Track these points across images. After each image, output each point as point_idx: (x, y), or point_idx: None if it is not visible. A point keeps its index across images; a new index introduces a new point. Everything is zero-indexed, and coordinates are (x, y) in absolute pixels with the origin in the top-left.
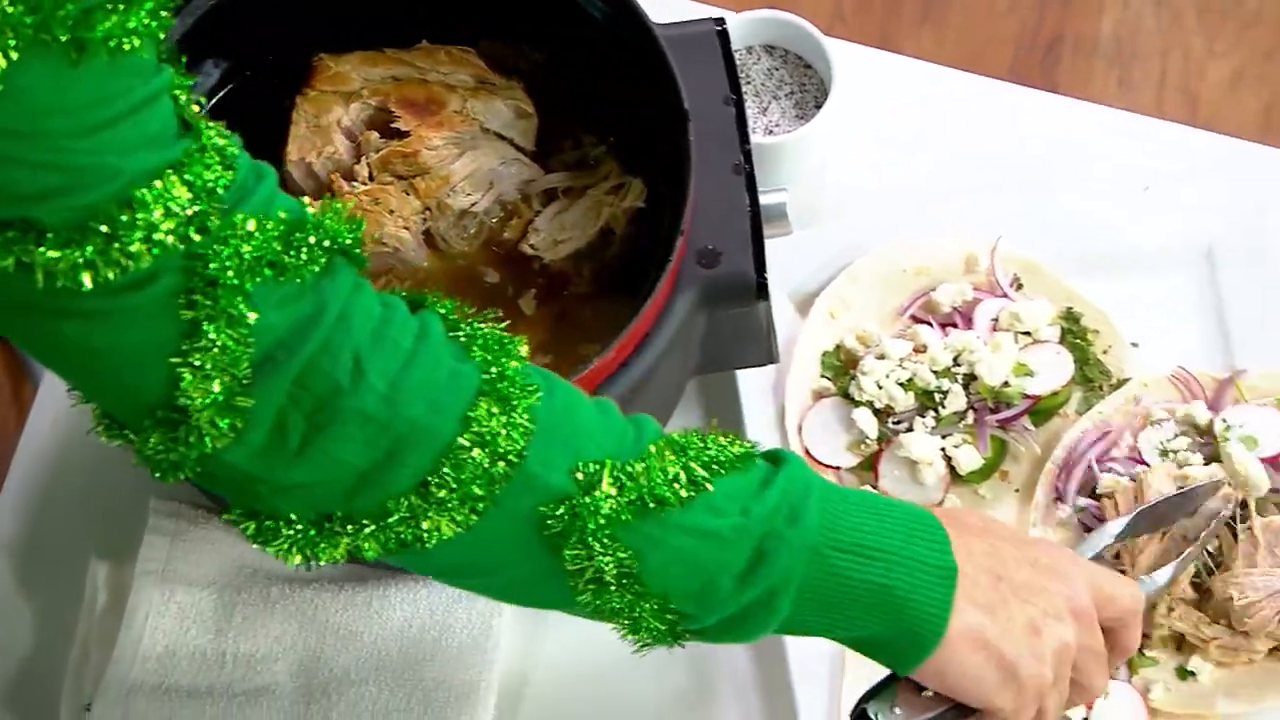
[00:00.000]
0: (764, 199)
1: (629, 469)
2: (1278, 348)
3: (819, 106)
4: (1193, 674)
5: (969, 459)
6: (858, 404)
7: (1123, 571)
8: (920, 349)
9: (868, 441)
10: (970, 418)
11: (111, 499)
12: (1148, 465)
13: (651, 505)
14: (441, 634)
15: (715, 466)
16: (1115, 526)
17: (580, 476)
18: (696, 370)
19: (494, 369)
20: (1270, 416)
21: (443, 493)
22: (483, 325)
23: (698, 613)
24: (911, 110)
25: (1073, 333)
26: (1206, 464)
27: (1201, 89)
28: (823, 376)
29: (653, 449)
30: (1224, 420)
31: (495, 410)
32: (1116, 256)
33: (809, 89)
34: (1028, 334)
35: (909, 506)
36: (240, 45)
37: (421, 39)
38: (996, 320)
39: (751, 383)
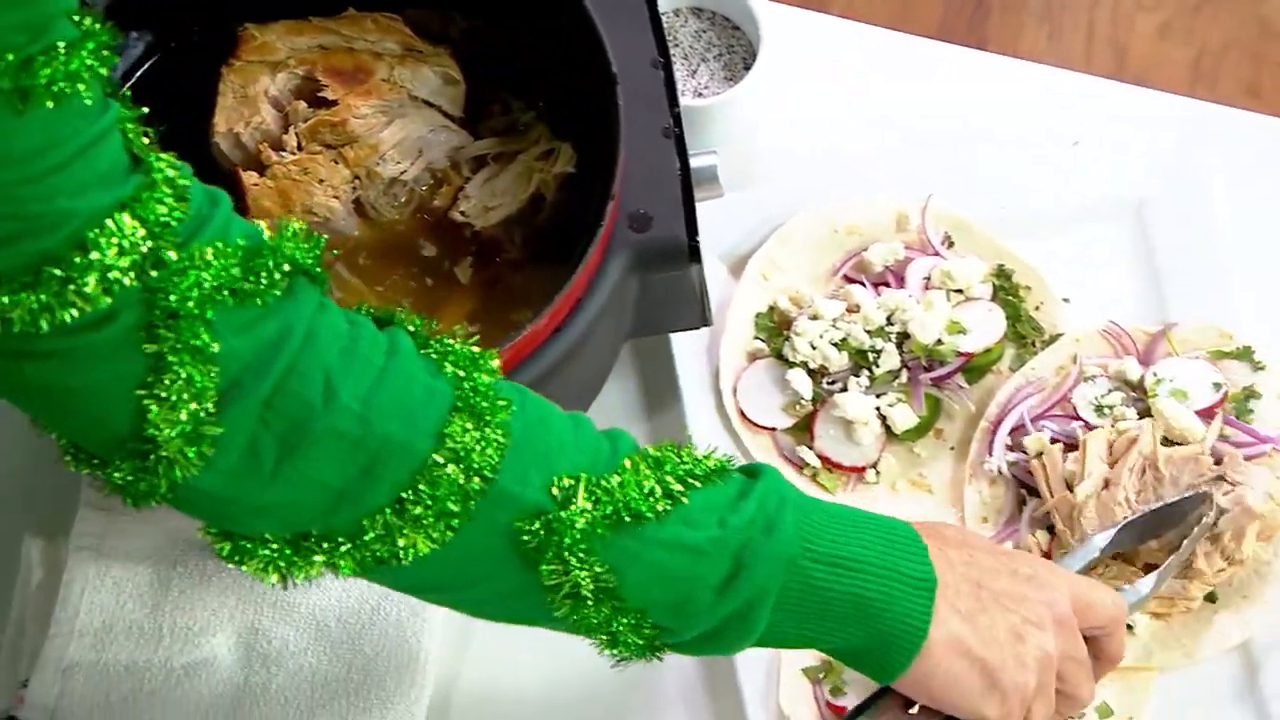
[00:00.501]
0: (694, 162)
1: (604, 483)
2: (1208, 300)
3: (748, 68)
4: (1129, 627)
5: (904, 418)
6: (792, 365)
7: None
8: (853, 309)
9: (802, 402)
10: (904, 376)
11: (44, 474)
12: (1083, 421)
13: (627, 519)
14: (380, 603)
15: (691, 480)
16: (1101, 540)
17: (555, 491)
18: (630, 334)
19: (466, 384)
20: (1200, 369)
21: (418, 509)
22: (453, 341)
23: (676, 626)
24: (841, 70)
25: (1004, 289)
26: (1140, 418)
27: (1130, 41)
28: (756, 338)
29: (627, 463)
30: (1154, 374)
31: (469, 426)
32: (1047, 212)
33: (737, 50)
34: (960, 292)
35: (886, 518)
36: (164, 16)
37: (348, 7)
38: (928, 279)
39: (685, 346)
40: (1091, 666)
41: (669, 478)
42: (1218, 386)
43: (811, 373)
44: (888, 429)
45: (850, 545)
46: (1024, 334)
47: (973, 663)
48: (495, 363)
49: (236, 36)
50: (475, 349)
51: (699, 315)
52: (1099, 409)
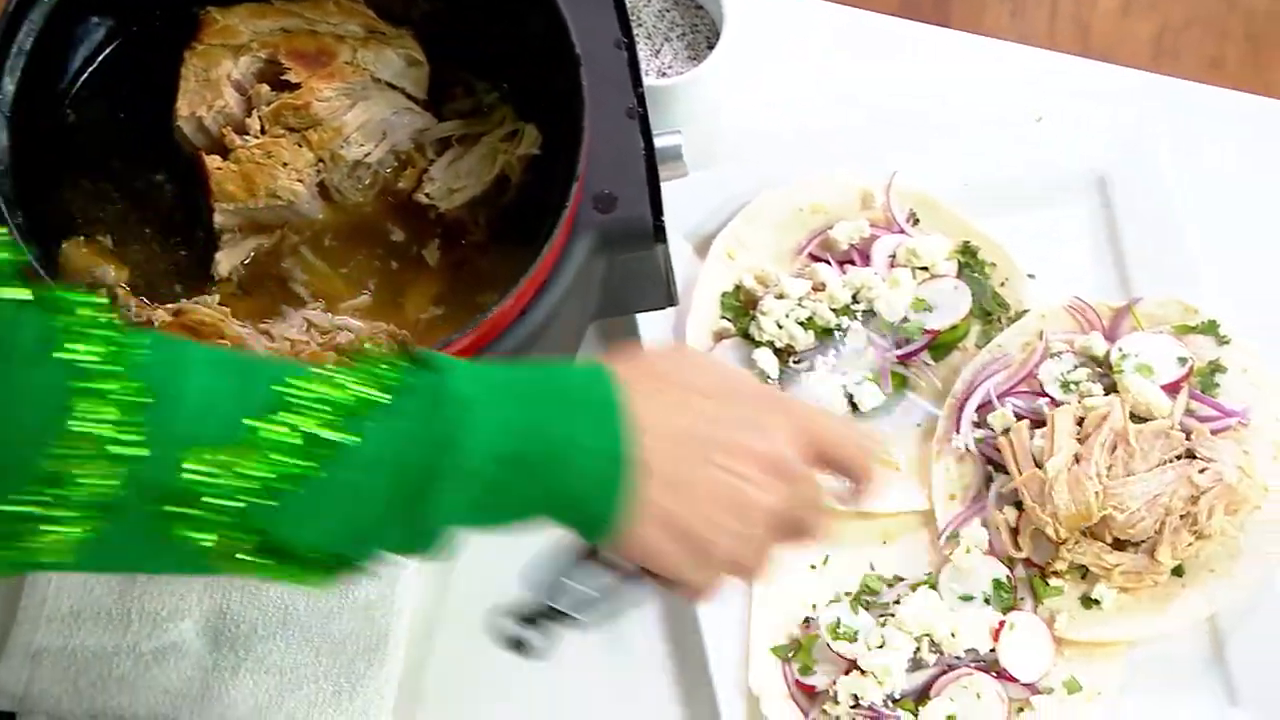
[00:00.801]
0: (659, 141)
1: (253, 439)
2: (1172, 275)
3: (711, 47)
4: (1096, 602)
5: (871, 396)
6: (758, 344)
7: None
8: (819, 287)
9: (770, 381)
10: (871, 354)
11: None
12: (1049, 397)
13: (284, 485)
14: (348, 587)
15: (348, 413)
16: None
17: (198, 467)
18: (596, 315)
19: (91, 365)
20: (1165, 344)
21: (58, 510)
22: (88, 311)
23: (356, 552)
24: (805, 48)
25: (970, 266)
26: (1106, 394)
27: (1093, 18)
28: (723, 318)
29: (279, 418)
30: (1119, 349)
31: (96, 411)
32: (1012, 188)
33: (700, 30)
34: (925, 269)
35: (575, 375)
36: (125, 1)
37: None
38: (894, 256)
39: (652, 326)
40: (833, 497)
41: (321, 424)
42: (1183, 361)
43: (778, 352)
44: (854, 407)
45: (533, 433)
46: (990, 310)
47: (678, 538)
48: (145, 338)
49: (198, 20)
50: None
51: (665, 295)
52: (1065, 385)
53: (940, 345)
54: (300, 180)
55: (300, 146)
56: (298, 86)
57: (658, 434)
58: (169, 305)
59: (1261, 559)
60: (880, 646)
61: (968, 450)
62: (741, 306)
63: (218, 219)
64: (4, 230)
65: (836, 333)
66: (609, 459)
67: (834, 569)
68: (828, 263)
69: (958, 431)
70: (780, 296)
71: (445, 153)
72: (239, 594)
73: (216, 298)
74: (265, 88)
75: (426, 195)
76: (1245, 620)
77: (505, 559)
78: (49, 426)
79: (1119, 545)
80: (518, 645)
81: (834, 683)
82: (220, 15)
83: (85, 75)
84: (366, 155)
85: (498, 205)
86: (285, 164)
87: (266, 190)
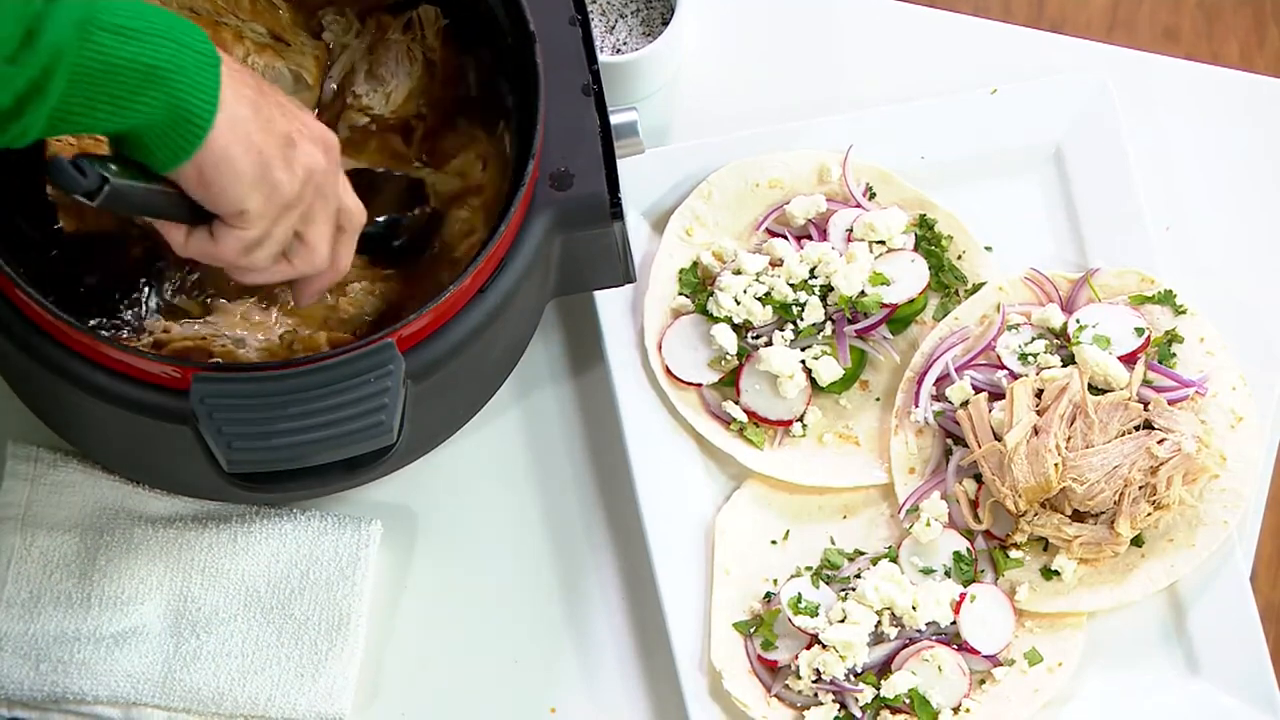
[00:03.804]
0: (614, 118)
1: None
2: (1128, 246)
3: (666, 23)
4: (1057, 573)
5: (829, 370)
6: (716, 320)
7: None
8: (776, 263)
9: (728, 357)
10: (829, 329)
11: None
12: (1008, 369)
13: None
14: (309, 567)
15: None
16: None
17: None
18: (555, 293)
19: None
20: (1123, 315)
21: None
22: None
23: None
24: (759, 24)
25: (927, 239)
26: (1065, 366)
27: None
28: (680, 294)
29: None
30: (1077, 321)
31: None
32: (967, 161)
33: (655, 6)
34: (882, 243)
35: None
36: None
37: None
38: (851, 231)
39: (610, 303)
40: (335, 219)
41: None
42: (1140, 331)
43: (736, 327)
44: (813, 382)
45: (138, 19)
46: (947, 283)
47: (249, 148)
48: None
49: None
50: None
51: (622, 273)
52: (1023, 357)
53: (898, 319)
54: None
55: None
56: None
57: (235, 72)
58: None
59: (1220, 528)
60: (842, 621)
61: (926, 424)
62: (699, 283)
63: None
64: None
65: (794, 308)
66: (210, 61)
67: (794, 544)
68: (785, 238)
69: (916, 405)
70: (738, 272)
71: (355, 68)
72: (200, 577)
73: None
74: None
75: (364, 108)
76: (1205, 590)
77: (466, 542)
78: None
79: (1078, 517)
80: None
81: (796, 657)
82: None
83: None
84: None
85: (436, 95)
86: None
87: None
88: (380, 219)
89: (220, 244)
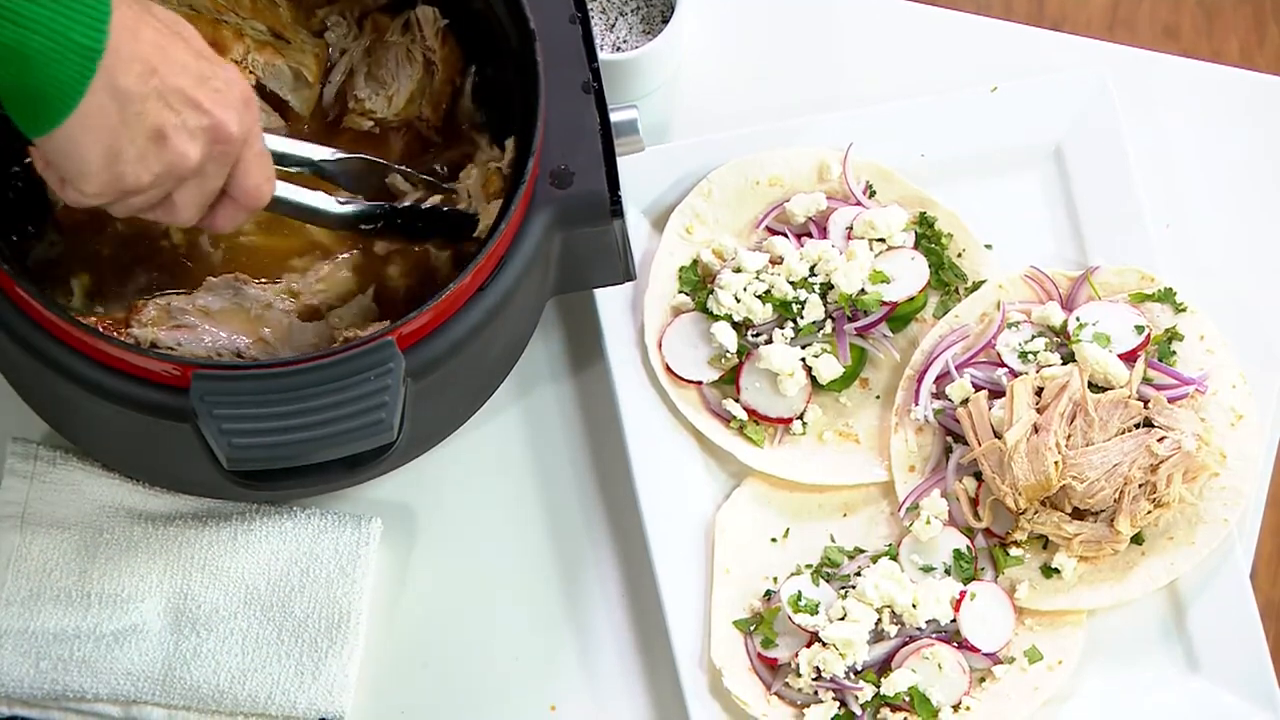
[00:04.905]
0: (614, 116)
1: None
2: (1128, 244)
3: (666, 21)
4: (1057, 571)
5: (829, 368)
6: (716, 318)
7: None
8: (776, 260)
9: (728, 355)
10: (829, 327)
11: None
12: (1008, 367)
13: None
14: (309, 565)
15: None
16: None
17: None
18: (555, 290)
19: None
20: (1123, 313)
21: None
22: None
23: None
24: (759, 21)
25: (927, 237)
26: (1064, 363)
27: None
28: (680, 292)
29: None
30: (1077, 319)
31: None
32: (967, 159)
33: (655, 3)
34: (882, 241)
35: None
36: None
37: None
38: (851, 228)
39: (610, 301)
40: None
41: None
42: (1140, 329)
43: (736, 325)
44: (813, 380)
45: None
46: (947, 281)
47: (100, 141)
48: None
49: None
50: None
51: (622, 270)
52: (1023, 355)
53: (898, 317)
54: None
55: None
56: None
57: (127, 49)
58: None
59: (1220, 526)
60: (842, 619)
61: (927, 421)
62: (699, 280)
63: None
64: None
65: (794, 305)
66: (88, 55)
67: (794, 541)
68: (785, 236)
69: (916, 403)
70: (738, 270)
71: (354, 70)
72: (200, 575)
73: None
74: None
75: (367, 112)
76: (1205, 587)
77: (467, 540)
78: None
79: (1078, 515)
80: None
81: (796, 655)
82: None
83: None
84: None
85: (436, 94)
86: None
87: None
88: (361, 204)
89: (70, 199)
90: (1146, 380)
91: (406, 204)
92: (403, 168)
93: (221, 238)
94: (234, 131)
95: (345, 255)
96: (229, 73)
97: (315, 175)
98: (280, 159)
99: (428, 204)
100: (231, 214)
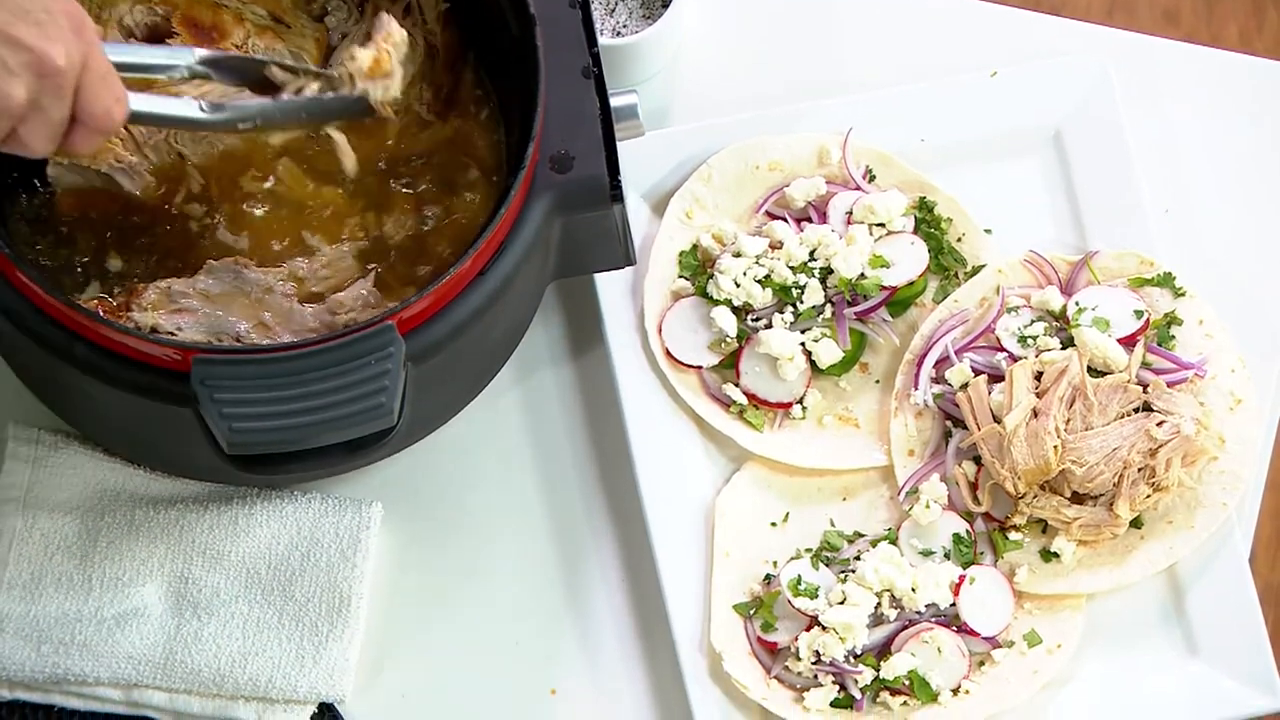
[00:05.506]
0: (614, 101)
1: None
2: (1128, 228)
3: (666, 5)
4: (1056, 555)
5: (829, 352)
6: (716, 302)
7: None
8: (776, 245)
9: (728, 340)
10: (829, 311)
11: None
12: (1007, 352)
13: None
14: (310, 549)
15: None
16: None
17: None
18: (555, 275)
19: None
20: (1122, 297)
21: None
22: None
23: None
24: (759, 6)
25: (926, 222)
26: (1064, 348)
27: None
28: (680, 277)
29: None
30: (1076, 303)
31: None
32: (966, 144)
33: None
34: (882, 225)
35: None
36: None
37: None
38: (851, 213)
39: (610, 285)
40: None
41: None
42: (1139, 314)
43: (736, 310)
44: (813, 364)
45: None
46: (947, 266)
47: None
48: None
49: None
50: None
51: (622, 255)
52: (1022, 339)
53: (898, 301)
54: (119, 159)
55: None
56: None
57: None
58: None
59: (1219, 510)
60: (841, 602)
61: (926, 406)
62: (699, 265)
63: (50, 170)
64: None
65: (794, 290)
66: None
67: (794, 526)
68: (785, 220)
69: (916, 387)
70: (738, 255)
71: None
72: (201, 559)
73: None
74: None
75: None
76: (1204, 571)
77: (467, 524)
78: None
79: (1078, 499)
80: None
81: (796, 639)
82: None
83: None
84: None
85: (437, 77)
86: (121, 138)
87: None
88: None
89: None
90: (1145, 365)
91: (284, 98)
92: (279, 59)
93: (235, 221)
94: (60, 64)
95: (348, 244)
96: (52, 1)
97: (193, 79)
98: (146, 69)
99: (308, 93)
100: (86, 138)
